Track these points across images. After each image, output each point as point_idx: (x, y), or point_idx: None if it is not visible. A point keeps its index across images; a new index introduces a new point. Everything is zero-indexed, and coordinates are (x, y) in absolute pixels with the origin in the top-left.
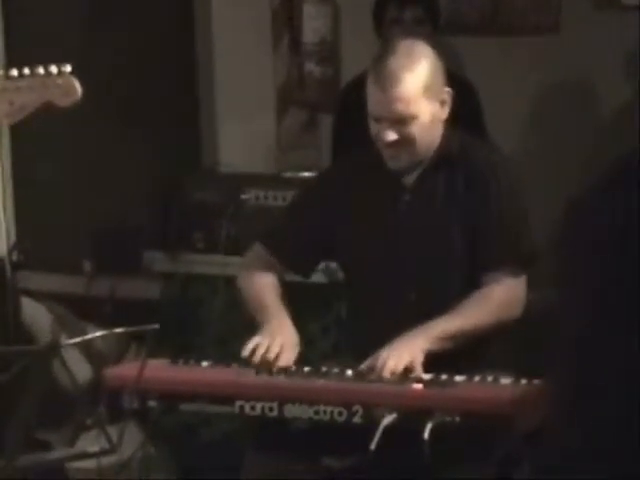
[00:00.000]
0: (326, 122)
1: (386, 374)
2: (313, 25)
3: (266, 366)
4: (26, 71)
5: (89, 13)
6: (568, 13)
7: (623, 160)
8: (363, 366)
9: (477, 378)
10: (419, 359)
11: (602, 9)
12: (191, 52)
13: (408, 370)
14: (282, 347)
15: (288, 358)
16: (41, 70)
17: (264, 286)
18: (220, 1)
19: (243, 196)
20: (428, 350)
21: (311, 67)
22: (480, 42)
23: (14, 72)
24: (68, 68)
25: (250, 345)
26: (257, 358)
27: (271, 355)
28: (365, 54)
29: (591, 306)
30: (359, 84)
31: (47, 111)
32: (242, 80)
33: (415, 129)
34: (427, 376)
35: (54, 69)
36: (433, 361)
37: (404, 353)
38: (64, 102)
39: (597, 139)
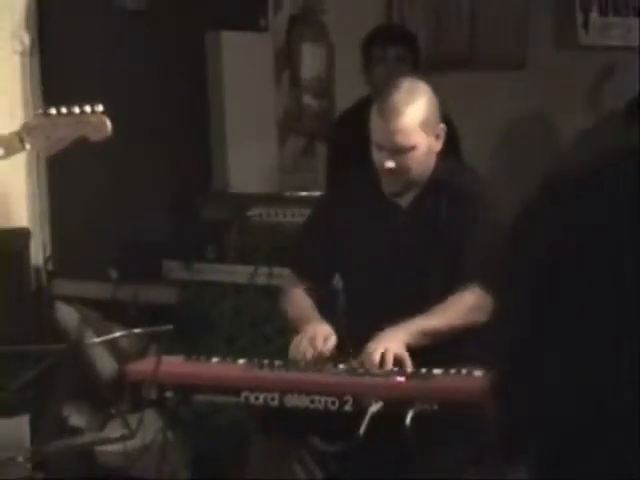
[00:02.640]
0: (322, 148)
1: (375, 363)
2: (310, 63)
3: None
4: (63, 110)
5: (119, 57)
6: (533, 51)
7: (557, 177)
8: (356, 361)
9: (453, 371)
10: (403, 350)
11: (562, 48)
12: (204, 87)
13: (398, 360)
14: (323, 338)
15: (330, 343)
16: (77, 109)
17: (300, 304)
18: (229, 42)
19: (249, 213)
20: (407, 343)
21: (308, 100)
22: (456, 77)
23: (53, 111)
24: (100, 108)
25: (298, 345)
26: (309, 350)
27: (317, 345)
28: (356, 89)
29: (527, 322)
30: (350, 115)
31: (81, 144)
32: (248, 111)
33: (411, 159)
34: (409, 369)
35: (88, 108)
36: (413, 355)
37: (389, 344)
38: (96, 137)
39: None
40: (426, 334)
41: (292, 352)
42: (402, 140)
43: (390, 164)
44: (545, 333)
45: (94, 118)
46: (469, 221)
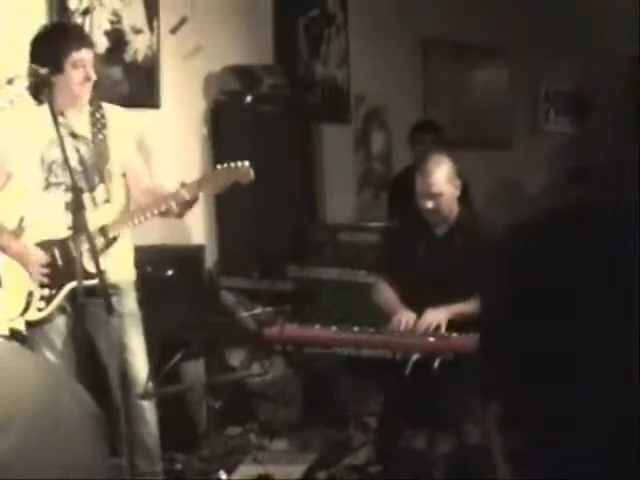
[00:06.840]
0: (384, 196)
1: (425, 326)
2: (377, 142)
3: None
4: (225, 165)
5: (261, 140)
6: (516, 136)
7: (522, 224)
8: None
9: (464, 334)
10: (444, 322)
11: (533, 133)
12: (311, 158)
13: (438, 328)
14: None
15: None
16: (232, 164)
17: (389, 295)
18: (326, 130)
19: (339, 236)
20: (446, 318)
21: (376, 166)
22: (468, 154)
23: (218, 166)
24: (247, 163)
25: (402, 322)
26: (408, 326)
27: (411, 323)
28: (405, 160)
29: (500, 311)
30: (401, 176)
31: (234, 187)
32: (338, 172)
33: (441, 201)
34: (439, 333)
35: (239, 164)
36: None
37: (435, 316)
38: (244, 181)
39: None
40: (458, 315)
41: (394, 326)
42: (435, 190)
43: (429, 205)
44: (513, 317)
45: (243, 169)
46: (479, 247)
